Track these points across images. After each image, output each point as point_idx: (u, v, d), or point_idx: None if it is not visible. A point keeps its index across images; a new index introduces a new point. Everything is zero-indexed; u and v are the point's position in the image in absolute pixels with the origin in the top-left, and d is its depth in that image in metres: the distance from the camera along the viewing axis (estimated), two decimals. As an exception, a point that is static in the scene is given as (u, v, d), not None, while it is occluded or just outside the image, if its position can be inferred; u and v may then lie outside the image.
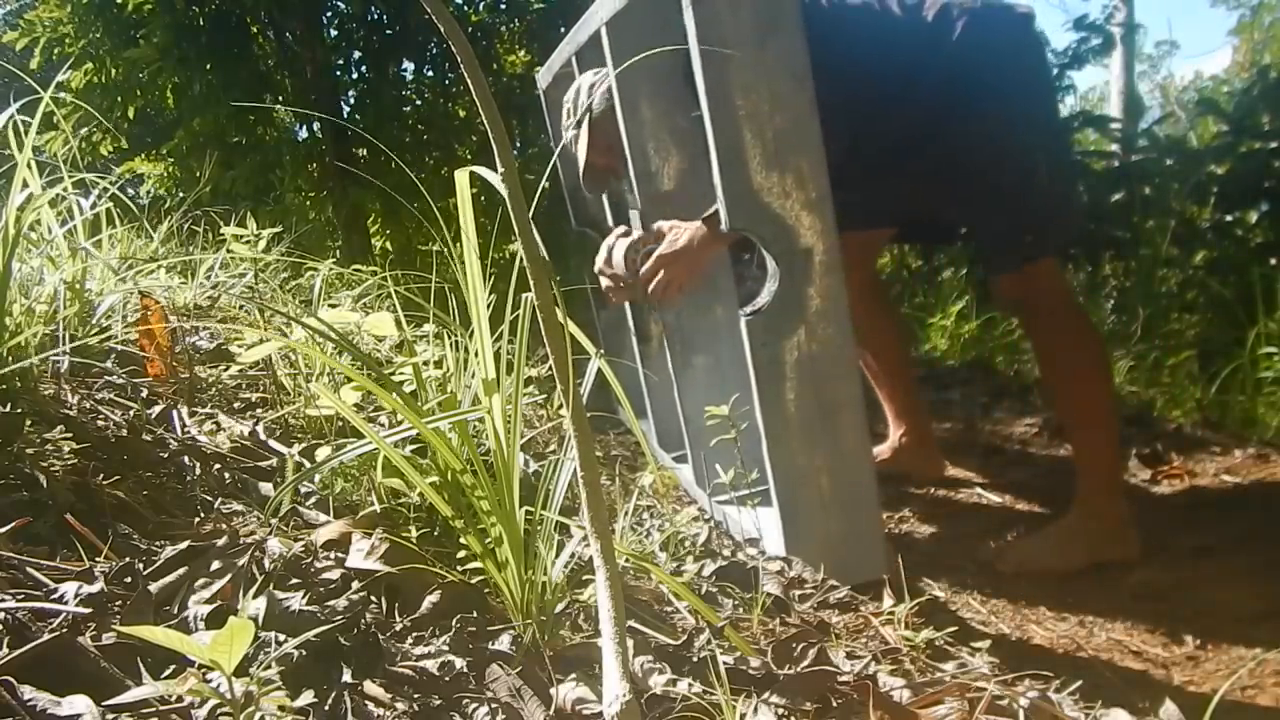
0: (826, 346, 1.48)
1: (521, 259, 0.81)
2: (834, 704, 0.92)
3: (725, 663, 0.92)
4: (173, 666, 0.75)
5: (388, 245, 5.56)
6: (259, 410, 1.57)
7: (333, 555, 1.05)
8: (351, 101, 5.48)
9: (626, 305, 2.26)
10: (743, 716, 0.85)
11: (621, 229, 2.00)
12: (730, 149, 1.41)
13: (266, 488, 1.26)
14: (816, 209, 1.44)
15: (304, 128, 5.47)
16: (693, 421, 1.97)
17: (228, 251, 2.10)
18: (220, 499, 1.18)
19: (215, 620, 0.84)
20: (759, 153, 1.42)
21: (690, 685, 0.88)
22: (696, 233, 1.73)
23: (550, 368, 0.81)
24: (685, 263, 1.75)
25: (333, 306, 2.12)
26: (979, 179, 1.79)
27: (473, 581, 1.03)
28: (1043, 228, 1.83)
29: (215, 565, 0.93)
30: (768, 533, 1.60)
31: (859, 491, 1.55)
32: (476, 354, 1.14)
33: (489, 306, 1.11)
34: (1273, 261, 3.19)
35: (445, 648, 0.89)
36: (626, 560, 1.11)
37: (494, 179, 0.82)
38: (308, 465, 1.28)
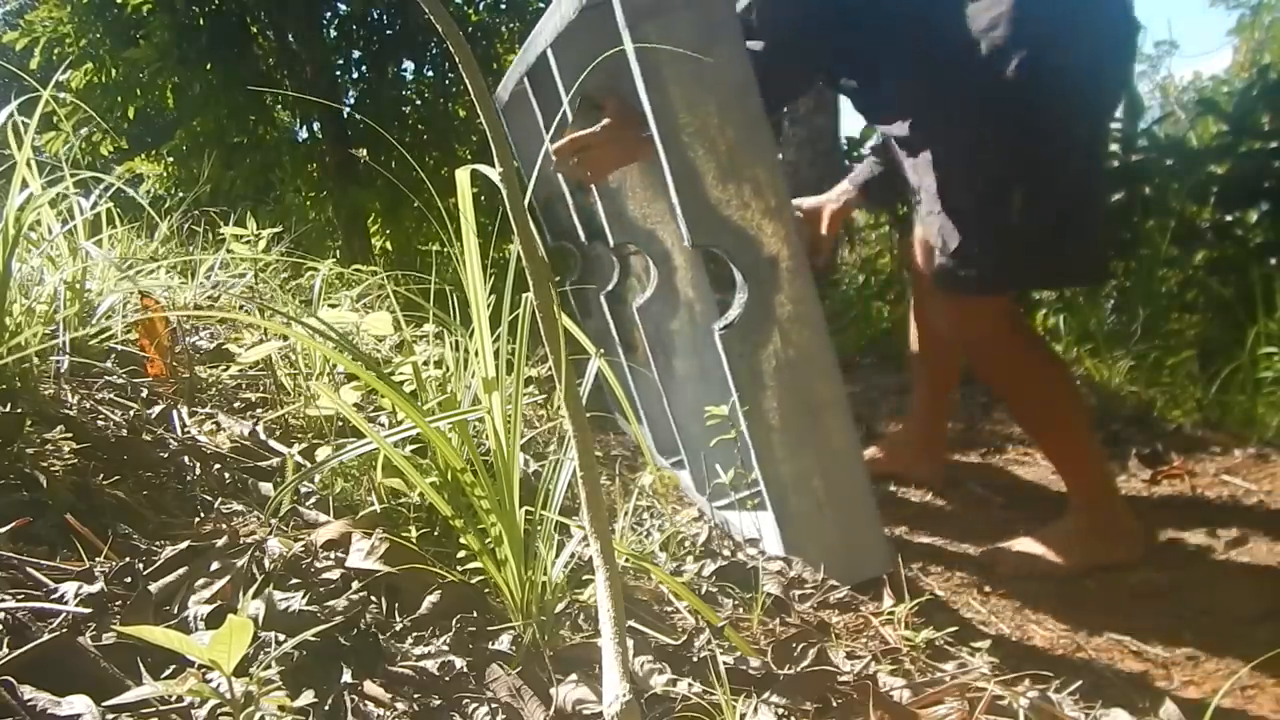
0: (803, 350, 1.48)
1: (521, 258, 0.81)
2: (834, 704, 0.92)
3: (725, 663, 0.92)
4: (173, 666, 0.75)
5: (388, 245, 5.56)
6: (259, 410, 1.57)
7: (333, 555, 1.05)
8: (351, 101, 5.48)
9: (608, 316, 2.24)
10: (743, 716, 0.85)
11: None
12: (683, 166, 1.40)
13: (266, 488, 1.26)
14: (777, 215, 1.44)
15: (304, 127, 5.48)
16: (684, 429, 1.97)
17: (228, 251, 2.10)
18: (220, 499, 1.18)
19: (215, 620, 0.84)
20: (713, 166, 1.41)
21: (690, 685, 0.88)
22: (630, 138, 1.68)
23: (550, 368, 0.81)
24: (608, 156, 1.74)
25: (333, 306, 2.12)
26: (942, 192, 1.67)
27: (473, 581, 1.03)
28: (990, 265, 1.66)
29: (215, 565, 0.93)
30: (768, 537, 1.60)
31: (853, 491, 1.54)
32: (476, 354, 1.14)
33: (489, 306, 1.11)
34: (1273, 261, 3.19)
35: (445, 648, 0.89)
36: (626, 560, 1.11)
37: (495, 175, 0.82)
38: (308, 465, 1.28)
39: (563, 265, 2.75)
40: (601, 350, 1.20)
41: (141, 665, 0.74)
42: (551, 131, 1.86)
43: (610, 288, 2.25)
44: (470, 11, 5.38)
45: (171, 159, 5.16)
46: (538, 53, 1.93)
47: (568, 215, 2.36)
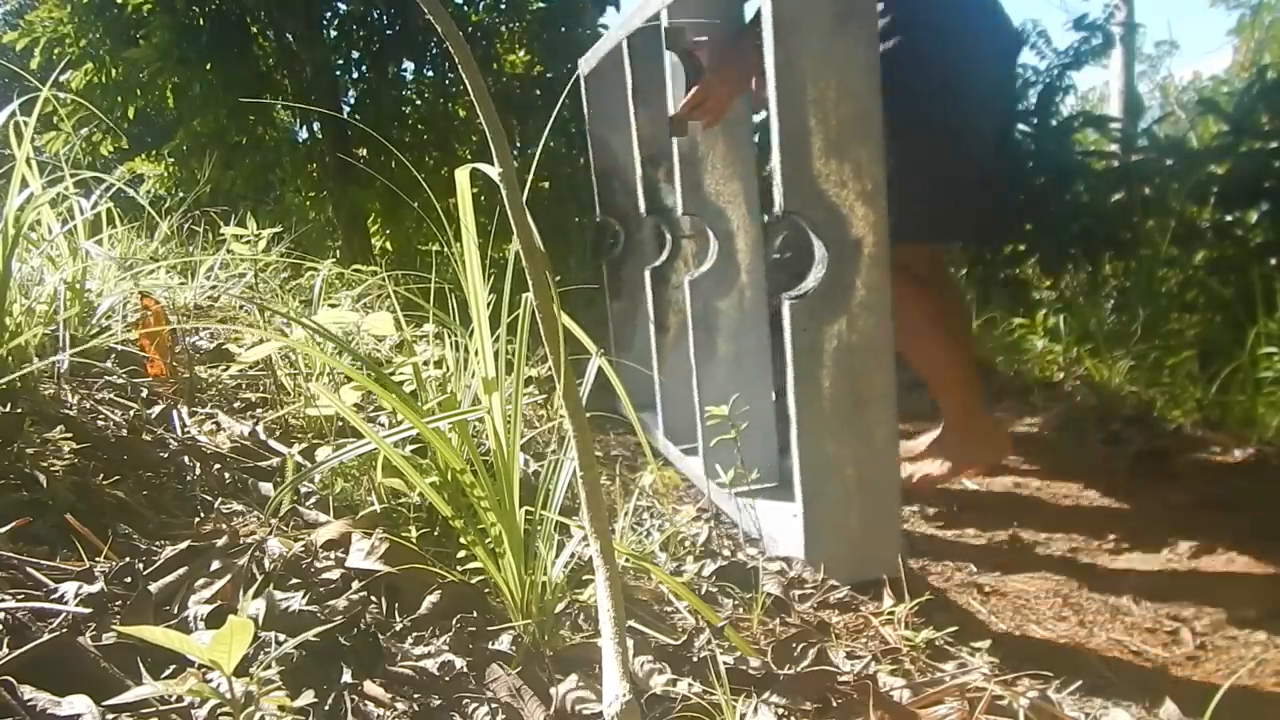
0: (866, 338, 1.49)
1: (520, 258, 0.81)
2: (834, 704, 0.92)
3: (725, 663, 0.92)
4: (173, 666, 0.75)
5: (388, 245, 5.56)
6: (259, 410, 1.57)
7: (333, 555, 1.05)
8: (351, 101, 5.48)
9: (649, 295, 2.30)
10: (743, 716, 0.85)
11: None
12: (793, 132, 1.42)
13: (266, 488, 1.26)
14: (871, 201, 1.46)
15: (304, 128, 5.47)
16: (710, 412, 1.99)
17: (228, 251, 2.10)
18: (220, 499, 1.18)
19: (215, 620, 0.84)
20: (821, 139, 1.43)
21: (690, 685, 0.88)
22: (733, 76, 1.88)
23: (550, 367, 0.81)
24: (720, 100, 1.89)
25: (333, 306, 2.12)
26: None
27: (473, 581, 1.03)
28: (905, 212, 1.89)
29: (215, 565, 0.94)
30: (780, 524, 1.60)
31: (883, 486, 1.55)
32: (476, 353, 1.14)
33: (489, 306, 1.11)
34: (1273, 261, 3.19)
35: (445, 648, 0.89)
36: (626, 560, 1.11)
37: (495, 174, 0.82)
38: (308, 465, 1.28)
39: (606, 239, 2.81)
40: (602, 350, 1.20)
41: (141, 665, 0.74)
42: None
43: (656, 264, 2.30)
44: (470, 11, 5.37)
45: (172, 159, 5.16)
46: (649, 15, 1.95)
47: (621, 190, 2.38)
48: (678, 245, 2.27)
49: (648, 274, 2.29)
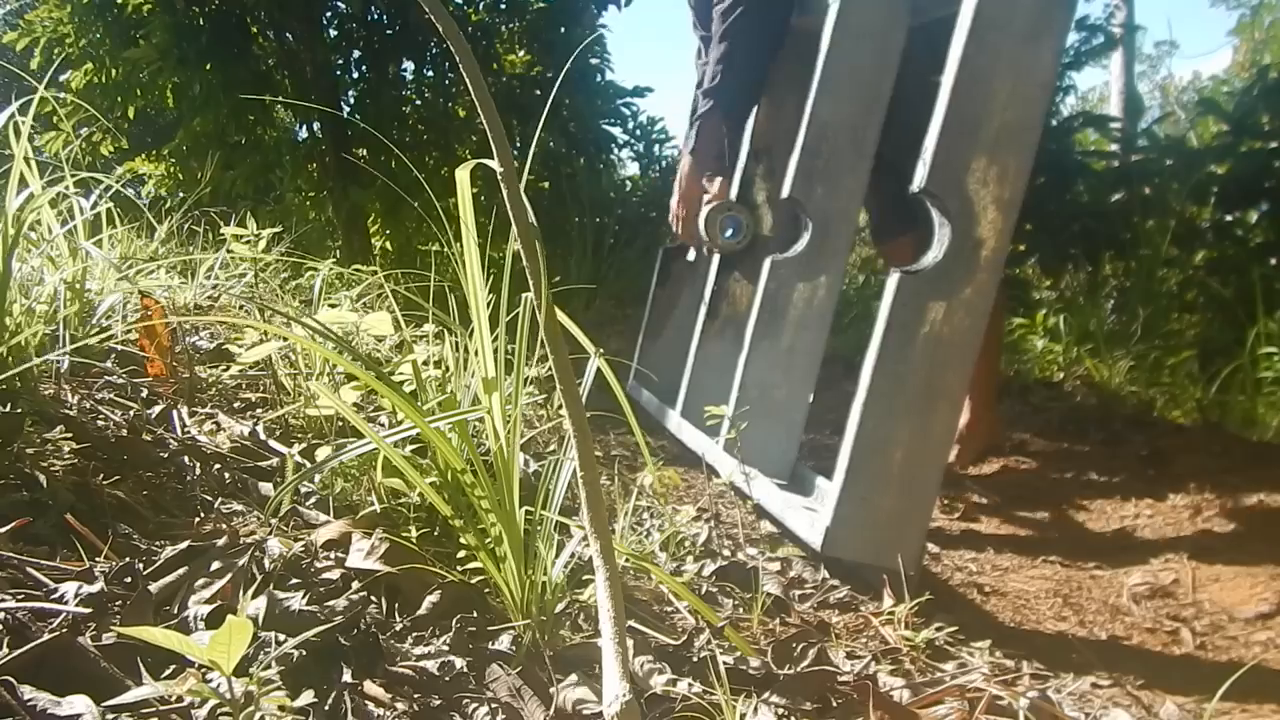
0: (956, 335, 1.51)
1: (520, 257, 0.81)
2: (834, 704, 0.92)
3: (725, 663, 0.92)
4: (173, 666, 0.75)
5: (388, 245, 5.56)
6: (259, 410, 1.57)
7: (333, 555, 1.05)
8: (351, 101, 5.48)
9: (710, 279, 2.38)
10: (743, 716, 0.85)
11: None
12: (958, 119, 1.45)
13: (266, 488, 1.26)
14: (1004, 209, 1.48)
15: (304, 128, 5.47)
16: (747, 391, 2.00)
17: (228, 251, 2.10)
18: (220, 499, 1.18)
19: (215, 620, 0.84)
20: (981, 135, 1.46)
21: (690, 685, 0.88)
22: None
23: (550, 367, 0.81)
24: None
25: (333, 306, 2.12)
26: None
27: (473, 581, 1.03)
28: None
29: (215, 565, 0.93)
30: (794, 509, 1.62)
31: (925, 479, 1.56)
32: (476, 353, 1.14)
33: (489, 306, 1.11)
34: (1273, 261, 3.19)
35: (445, 648, 0.89)
36: (626, 560, 1.11)
37: (496, 168, 0.81)
38: (308, 465, 1.28)
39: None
40: (601, 350, 1.20)
41: (141, 665, 0.74)
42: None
43: (730, 249, 2.34)
44: (470, 11, 5.37)
45: (172, 159, 5.16)
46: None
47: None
48: (756, 239, 2.30)
49: (716, 258, 2.34)
